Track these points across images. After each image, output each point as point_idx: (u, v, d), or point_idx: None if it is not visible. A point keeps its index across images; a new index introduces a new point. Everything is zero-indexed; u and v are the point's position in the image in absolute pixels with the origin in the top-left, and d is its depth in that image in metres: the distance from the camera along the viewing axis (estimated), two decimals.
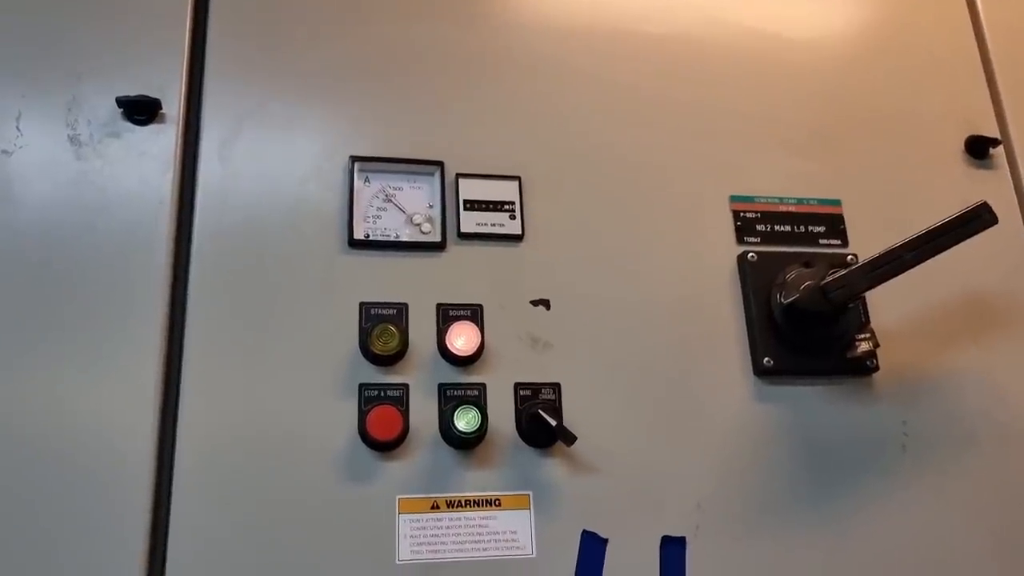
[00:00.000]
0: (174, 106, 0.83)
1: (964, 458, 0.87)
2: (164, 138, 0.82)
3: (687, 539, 0.78)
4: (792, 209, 0.94)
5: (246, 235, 0.81)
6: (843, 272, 0.80)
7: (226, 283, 0.79)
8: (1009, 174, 1.01)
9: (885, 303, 0.90)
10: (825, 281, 0.80)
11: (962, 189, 0.99)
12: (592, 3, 0.98)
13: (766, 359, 0.85)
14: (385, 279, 0.82)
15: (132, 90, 0.82)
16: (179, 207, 0.80)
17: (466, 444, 0.77)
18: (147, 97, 0.82)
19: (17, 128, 0.80)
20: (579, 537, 0.77)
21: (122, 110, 0.82)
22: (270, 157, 0.84)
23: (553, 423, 0.76)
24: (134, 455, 0.71)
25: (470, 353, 0.79)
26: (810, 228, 0.94)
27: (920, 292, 0.92)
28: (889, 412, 0.87)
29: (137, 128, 0.82)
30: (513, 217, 0.87)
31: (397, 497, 0.75)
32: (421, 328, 0.81)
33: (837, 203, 0.96)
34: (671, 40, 0.98)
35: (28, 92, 0.82)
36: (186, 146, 0.83)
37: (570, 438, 0.76)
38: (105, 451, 0.71)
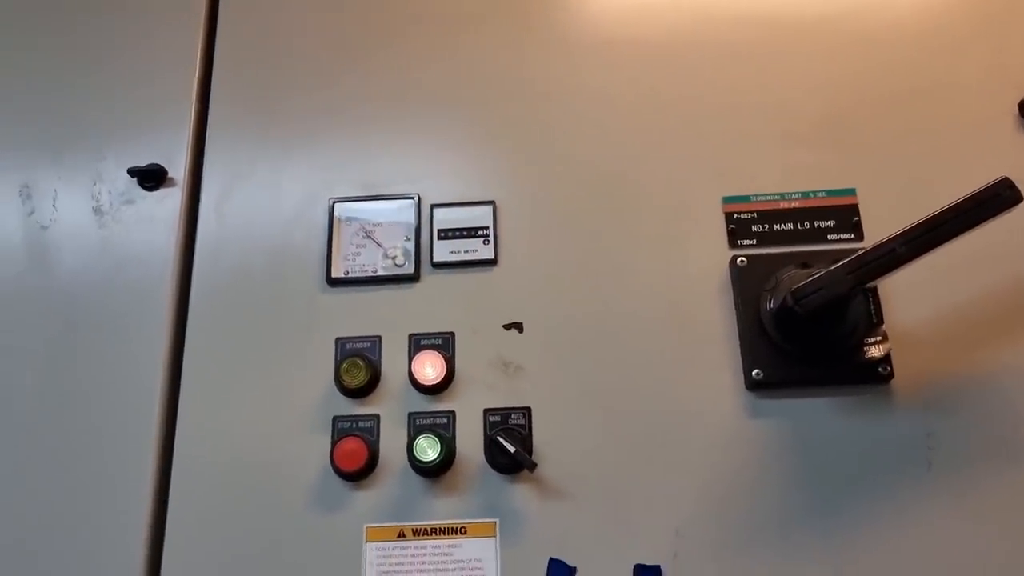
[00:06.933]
0: (179, 172, 0.93)
1: (1002, 473, 0.75)
2: (170, 201, 0.92)
3: (663, 567, 0.74)
4: (795, 205, 0.86)
5: (237, 284, 0.88)
6: (819, 273, 0.72)
7: (219, 330, 0.86)
8: None
9: (903, 299, 0.80)
10: (797, 285, 0.72)
11: (1016, 161, 0.86)
12: (565, 13, 0.97)
13: (755, 371, 0.79)
14: (361, 314, 0.85)
15: (144, 159, 0.93)
16: (181, 265, 0.89)
17: (431, 473, 0.78)
18: (156, 166, 0.92)
19: (54, 206, 0.93)
20: (546, 565, 0.75)
21: (135, 178, 0.92)
22: (259, 209, 0.91)
23: (512, 449, 0.75)
24: (135, 479, 0.81)
25: (437, 381, 0.80)
26: (816, 224, 0.85)
27: (946, 285, 0.81)
28: (910, 424, 0.77)
29: (147, 194, 0.92)
30: (487, 242, 0.87)
31: (365, 526, 0.77)
32: (395, 359, 0.83)
33: (851, 192, 0.86)
34: (652, 42, 0.94)
35: (63, 174, 0.94)
36: (189, 208, 0.92)
37: (530, 464, 0.75)
38: (112, 461, 0.81)
